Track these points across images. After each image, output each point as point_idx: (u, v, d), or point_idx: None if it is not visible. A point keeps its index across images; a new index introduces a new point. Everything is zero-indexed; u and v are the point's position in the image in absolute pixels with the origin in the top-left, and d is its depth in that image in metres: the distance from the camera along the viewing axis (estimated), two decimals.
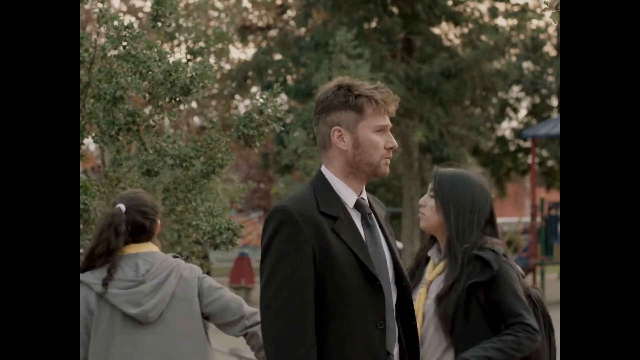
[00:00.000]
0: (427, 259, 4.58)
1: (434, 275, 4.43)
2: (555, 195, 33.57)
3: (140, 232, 4.65)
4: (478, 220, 4.40)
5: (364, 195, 3.67)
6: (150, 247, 4.66)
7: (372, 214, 3.68)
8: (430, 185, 4.53)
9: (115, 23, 5.90)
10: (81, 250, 5.88)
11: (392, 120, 3.68)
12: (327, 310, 3.48)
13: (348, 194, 3.62)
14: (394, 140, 3.63)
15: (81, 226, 5.72)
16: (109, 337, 4.52)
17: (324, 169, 3.64)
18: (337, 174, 3.62)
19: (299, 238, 3.46)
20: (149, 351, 4.53)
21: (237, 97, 31.10)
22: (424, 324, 4.33)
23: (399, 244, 37.98)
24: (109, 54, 5.98)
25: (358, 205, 3.64)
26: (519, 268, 4.48)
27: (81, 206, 5.78)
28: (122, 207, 4.63)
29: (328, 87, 3.64)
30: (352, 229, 3.58)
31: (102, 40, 6.09)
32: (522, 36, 26.63)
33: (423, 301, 4.37)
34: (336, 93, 3.60)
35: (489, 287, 4.27)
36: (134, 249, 4.63)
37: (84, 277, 4.55)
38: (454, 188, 4.44)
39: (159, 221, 4.71)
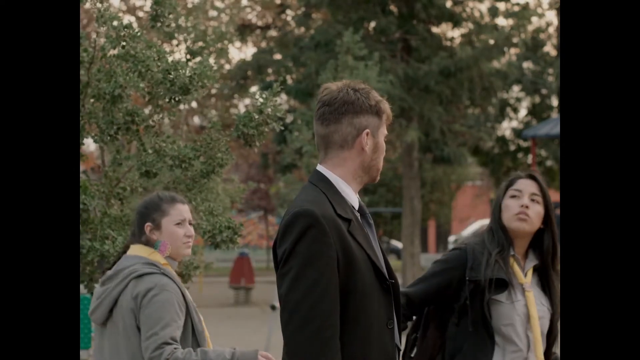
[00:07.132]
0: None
1: (529, 279, 4.40)
2: (554, 195, 33.54)
3: (132, 234, 4.66)
4: None
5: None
6: (133, 250, 4.57)
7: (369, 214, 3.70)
8: (529, 189, 4.45)
9: (115, 23, 5.90)
10: (81, 250, 5.86)
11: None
12: (348, 313, 3.47)
13: (352, 196, 3.61)
14: None
15: (80, 226, 5.70)
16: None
17: (324, 170, 3.61)
18: (344, 175, 3.60)
19: (325, 242, 3.43)
20: (98, 354, 4.52)
21: (236, 96, 31.08)
22: (542, 327, 4.33)
23: (399, 244, 38.04)
24: (108, 54, 5.98)
25: (359, 206, 3.65)
26: None
27: (81, 206, 5.78)
28: None
29: (342, 88, 3.62)
30: (362, 230, 3.58)
31: (102, 40, 6.09)
32: (522, 35, 26.61)
33: (535, 306, 4.34)
34: (361, 96, 3.60)
35: None
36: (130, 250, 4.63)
37: None
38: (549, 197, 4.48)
39: (149, 224, 4.54)
